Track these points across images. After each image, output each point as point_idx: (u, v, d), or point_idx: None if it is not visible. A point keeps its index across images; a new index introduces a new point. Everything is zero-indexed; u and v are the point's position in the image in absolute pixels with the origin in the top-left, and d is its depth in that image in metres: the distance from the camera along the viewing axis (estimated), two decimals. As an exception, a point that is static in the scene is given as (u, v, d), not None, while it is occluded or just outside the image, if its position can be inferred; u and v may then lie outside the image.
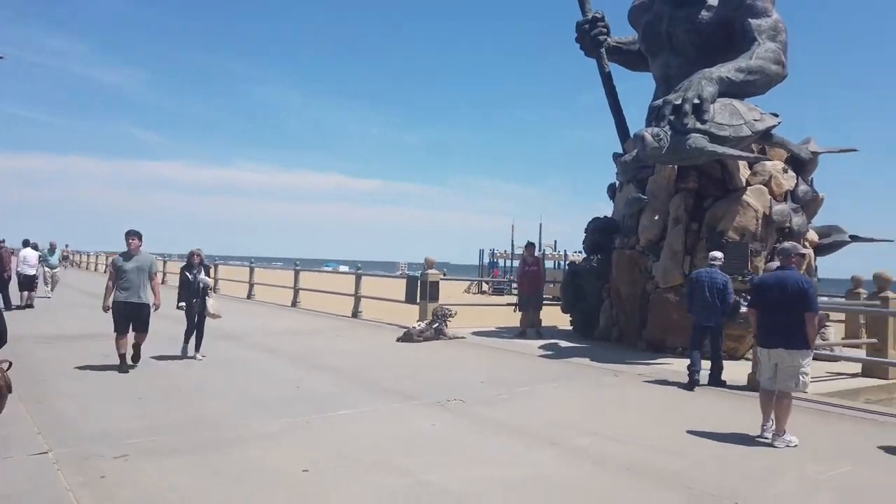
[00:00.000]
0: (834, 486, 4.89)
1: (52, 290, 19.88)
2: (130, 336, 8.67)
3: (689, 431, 6.37)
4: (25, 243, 17.51)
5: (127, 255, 8.56)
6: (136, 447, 5.26)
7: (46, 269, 19.47)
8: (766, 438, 6.04)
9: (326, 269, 65.51)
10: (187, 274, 9.60)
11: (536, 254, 15.15)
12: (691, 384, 8.48)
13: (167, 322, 10.81)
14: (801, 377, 6.00)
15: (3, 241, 16.13)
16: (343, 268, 79.16)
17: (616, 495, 4.55)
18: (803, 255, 6.75)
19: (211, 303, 9.75)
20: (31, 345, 10.50)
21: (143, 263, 8.61)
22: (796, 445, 5.83)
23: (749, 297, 6.70)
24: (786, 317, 5.99)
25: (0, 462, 4.80)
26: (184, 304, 9.59)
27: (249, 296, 22.40)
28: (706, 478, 4.94)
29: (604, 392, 8.31)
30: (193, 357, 9.57)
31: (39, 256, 18.05)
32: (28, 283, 16.44)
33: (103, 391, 7.34)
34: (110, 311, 8.50)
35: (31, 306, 16.22)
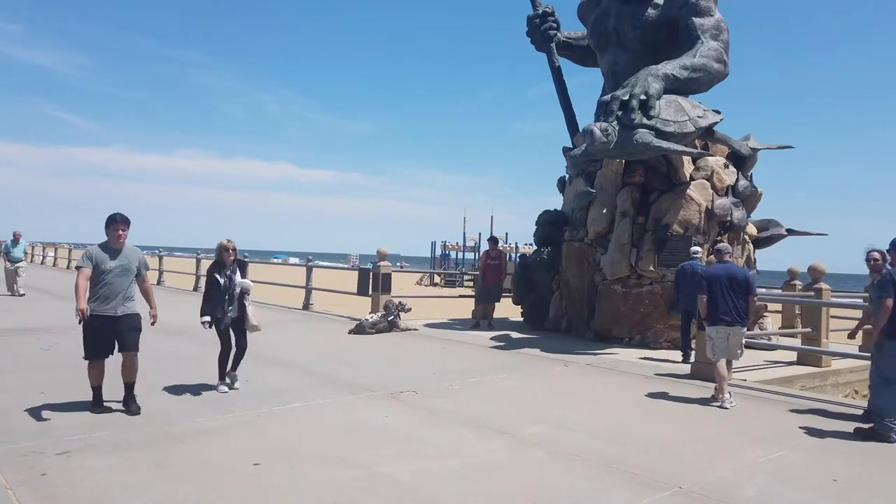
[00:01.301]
0: (770, 468, 5.13)
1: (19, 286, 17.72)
2: (108, 363, 6.28)
3: (636, 418, 6.57)
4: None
5: (109, 251, 6.08)
6: (77, 443, 5.12)
7: (7, 263, 17.84)
8: (726, 401, 7.22)
9: (275, 260, 64.47)
10: (217, 276, 7.07)
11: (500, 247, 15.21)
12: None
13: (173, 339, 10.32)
14: (743, 347, 7.77)
15: None
16: (293, 259, 78.05)
17: (565, 482, 4.66)
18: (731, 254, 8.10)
19: (251, 311, 7.44)
20: (-37, 340, 10.04)
21: (131, 261, 6.18)
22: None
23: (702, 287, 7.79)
24: (735, 300, 7.49)
25: (-69, 462, 4.60)
26: (208, 318, 7.11)
27: (196, 288, 21.88)
28: (652, 464, 5.11)
29: (553, 382, 8.47)
30: (233, 386, 7.34)
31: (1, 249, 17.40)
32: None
33: (44, 386, 7.07)
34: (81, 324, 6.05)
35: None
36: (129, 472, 4.53)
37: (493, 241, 14.65)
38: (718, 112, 11.54)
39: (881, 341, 6.18)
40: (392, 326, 12.58)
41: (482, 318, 13.90)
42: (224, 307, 7.15)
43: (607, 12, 13.13)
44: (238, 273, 7.27)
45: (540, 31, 14.87)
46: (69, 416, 5.97)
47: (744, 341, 7.68)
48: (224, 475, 4.54)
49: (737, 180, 12.35)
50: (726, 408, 7.11)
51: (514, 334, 12.77)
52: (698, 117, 10.83)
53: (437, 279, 44.74)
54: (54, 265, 39.30)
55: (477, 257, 50.24)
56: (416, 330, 12.90)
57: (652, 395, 7.71)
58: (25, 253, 19.20)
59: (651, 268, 11.56)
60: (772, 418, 6.88)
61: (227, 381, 7.34)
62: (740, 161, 12.66)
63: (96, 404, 6.20)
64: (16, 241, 18.18)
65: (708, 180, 11.97)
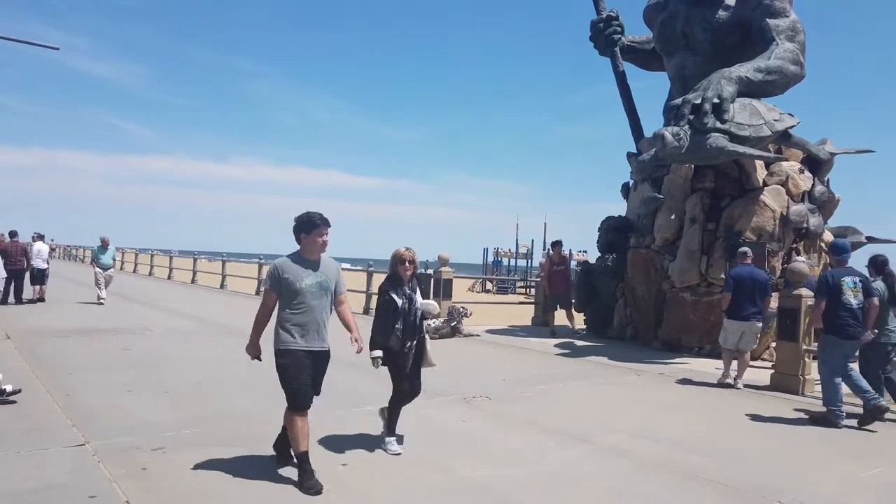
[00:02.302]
0: (872, 485, 4.90)
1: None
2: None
3: (717, 428, 6.39)
4: (37, 237, 17.56)
5: (303, 263, 4.52)
6: (169, 440, 5.27)
7: (98, 269, 16.96)
8: (730, 383, 8.59)
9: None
10: (394, 296, 5.24)
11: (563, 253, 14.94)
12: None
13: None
14: (757, 338, 9.07)
15: (17, 233, 16.11)
16: (344, 265, 79.24)
17: (653, 492, 4.55)
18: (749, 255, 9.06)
19: (430, 346, 5.66)
20: (49, 339, 10.52)
21: (329, 277, 4.60)
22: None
23: (728, 285, 8.83)
24: (754, 298, 8.60)
25: (40, 453, 4.82)
26: (380, 353, 5.22)
27: (258, 292, 22.38)
28: (742, 476, 4.94)
29: (626, 390, 8.31)
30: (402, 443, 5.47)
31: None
32: (40, 276, 16.45)
33: (130, 384, 7.34)
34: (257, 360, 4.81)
35: (42, 300, 16.22)
36: (223, 469, 4.65)
37: (557, 244, 14.48)
38: (793, 115, 11.18)
39: (826, 337, 6.99)
40: (455, 332, 12.60)
41: (548, 326, 13.78)
42: (402, 337, 5.27)
43: (675, 15, 12.88)
44: (418, 292, 5.46)
45: (604, 35, 14.70)
46: (157, 413, 6.17)
47: (759, 333, 9.03)
48: (315, 475, 4.60)
49: (813, 186, 11.91)
50: (739, 387, 8.51)
51: (578, 342, 12.60)
52: (774, 121, 10.50)
53: (489, 286, 44.61)
54: (121, 269, 40.82)
55: (530, 264, 50.02)
56: (478, 336, 12.87)
57: (730, 406, 7.48)
58: (115, 260, 18.44)
59: (722, 275, 11.23)
60: (860, 431, 6.57)
61: (397, 437, 5.45)
62: (816, 166, 12.21)
63: (310, 479, 4.36)
64: (104, 247, 17.31)
65: (783, 186, 11.59)
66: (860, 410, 6.87)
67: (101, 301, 16.41)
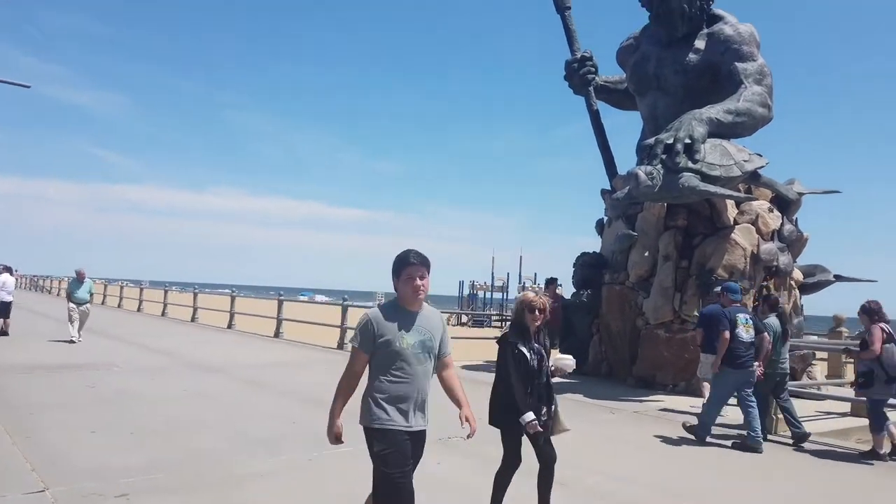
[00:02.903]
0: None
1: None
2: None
3: (698, 471, 6.37)
4: (3, 269, 17.10)
5: (400, 315, 3.47)
6: (135, 486, 5.09)
7: (71, 304, 15.44)
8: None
9: (302, 297, 64.78)
10: (523, 350, 4.36)
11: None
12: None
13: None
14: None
15: None
16: (320, 297, 78.45)
17: (634, 538, 4.49)
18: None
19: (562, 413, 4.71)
20: (10, 375, 10.18)
21: (434, 333, 3.53)
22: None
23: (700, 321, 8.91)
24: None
25: (-4, 502, 4.61)
26: (532, 416, 4.26)
27: (230, 325, 22.03)
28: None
29: (602, 430, 8.27)
30: None
31: None
32: (4, 309, 15.98)
33: (95, 424, 7.10)
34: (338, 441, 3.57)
35: (5, 334, 15.75)
36: (191, 517, 4.49)
37: (552, 283, 14.06)
38: (762, 156, 11.46)
39: (721, 367, 7.65)
40: (430, 368, 12.46)
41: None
42: (533, 400, 4.39)
43: (647, 57, 13.23)
44: (547, 343, 4.64)
45: (578, 75, 15.00)
46: (122, 456, 5.96)
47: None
48: (286, 523, 4.46)
49: (782, 225, 12.17)
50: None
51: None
52: (744, 161, 10.76)
53: (464, 319, 44.50)
54: (103, 303, 39.52)
55: (505, 297, 50.00)
56: (453, 372, 12.75)
57: (709, 446, 7.48)
58: (91, 293, 16.46)
59: (696, 312, 11.34)
60: (844, 474, 6.61)
61: None
62: (785, 205, 12.50)
63: None
64: (79, 280, 15.75)
65: (753, 224, 11.82)
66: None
67: (73, 340, 14.98)
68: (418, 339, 3.44)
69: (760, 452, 7.24)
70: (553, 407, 4.57)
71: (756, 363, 7.68)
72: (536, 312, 4.41)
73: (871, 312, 7.47)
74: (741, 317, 7.77)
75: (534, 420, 4.25)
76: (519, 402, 4.28)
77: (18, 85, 18.26)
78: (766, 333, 7.82)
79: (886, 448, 7.24)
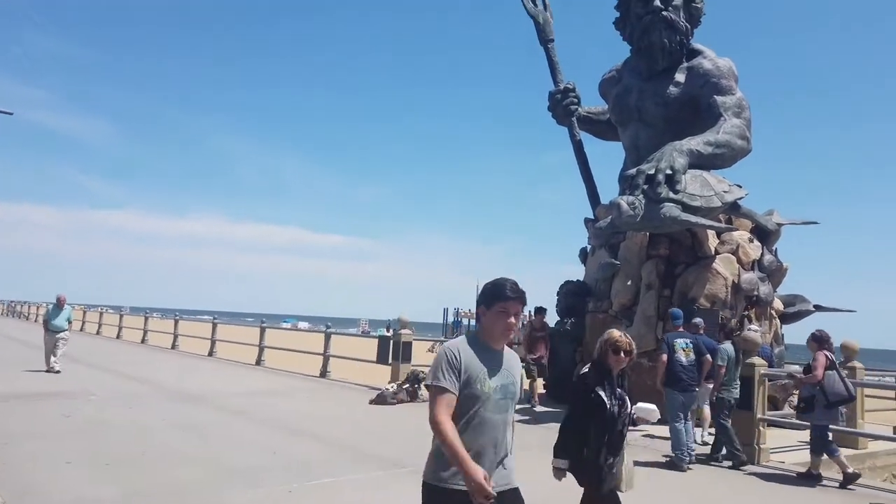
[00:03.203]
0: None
1: None
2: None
3: (677, 498, 6.35)
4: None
5: (484, 353, 2.88)
6: (110, 520, 4.97)
7: (47, 333, 14.79)
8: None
9: (285, 325, 64.24)
10: (601, 395, 4.01)
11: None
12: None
13: None
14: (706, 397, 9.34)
15: None
16: (302, 324, 77.80)
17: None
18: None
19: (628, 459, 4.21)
20: (-16, 404, 9.95)
21: (515, 375, 2.98)
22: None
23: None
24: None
25: (-35, 537, 4.47)
26: (565, 463, 4.10)
27: (211, 353, 21.75)
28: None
29: (585, 459, 8.22)
30: None
31: None
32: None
33: (70, 455, 6.94)
34: None
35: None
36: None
37: (540, 311, 13.64)
38: (742, 187, 11.65)
39: (664, 389, 8.14)
40: (413, 397, 12.39)
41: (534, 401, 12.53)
42: (606, 451, 4.01)
43: (629, 89, 13.47)
44: (626, 381, 4.33)
45: (561, 105, 15.22)
46: (98, 488, 5.83)
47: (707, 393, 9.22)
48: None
49: (762, 255, 12.33)
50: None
51: (538, 407, 12.49)
52: (724, 192, 10.92)
53: (448, 346, 44.31)
54: (81, 329, 38.87)
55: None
56: (437, 401, 12.66)
57: (693, 480, 7.47)
58: (70, 321, 15.51)
59: (678, 342, 11.41)
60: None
61: None
62: (764, 236, 12.67)
63: None
64: (59, 306, 14.95)
65: (733, 254, 11.96)
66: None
67: (52, 370, 14.24)
68: (501, 384, 2.89)
69: (684, 471, 7.64)
70: (621, 458, 4.09)
71: (708, 385, 8.39)
72: (622, 354, 4.00)
73: (819, 340, 7.80)
74: (679, 341, 8.22)
75: (563, 468, 3.95)
76: (566, 446, 4.01)
77: (1, 112, 18.08)
78: (707, 356, 8.29)
79: (838, 471, 7.49)
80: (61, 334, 14.72)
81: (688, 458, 7.81)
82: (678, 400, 8.11)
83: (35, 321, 44.68)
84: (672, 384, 8.14)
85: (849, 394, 7.54)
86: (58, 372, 14.15)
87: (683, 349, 8.17)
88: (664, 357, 8.20)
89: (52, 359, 14.45)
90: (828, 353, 7.66)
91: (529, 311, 16.47)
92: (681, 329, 8.68)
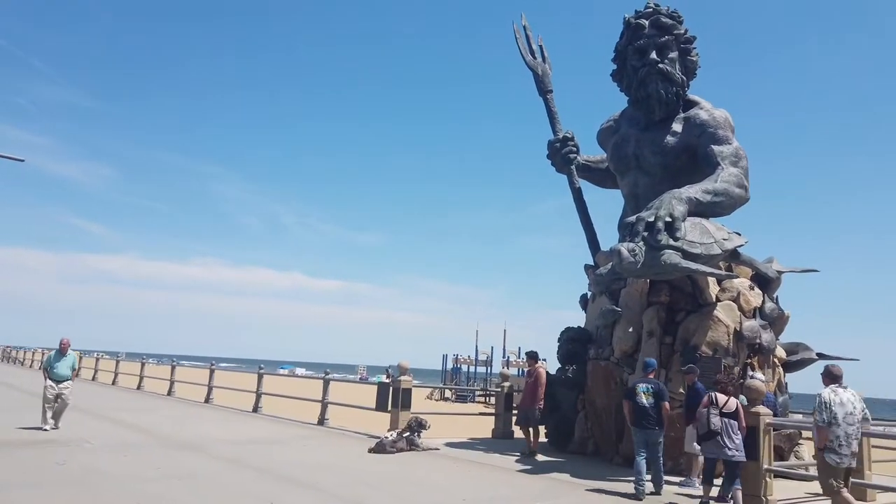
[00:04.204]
0: None
1: None
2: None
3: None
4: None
5: None
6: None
7: (49, 382, 12.69)
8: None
9: (282, 371, 63.63)
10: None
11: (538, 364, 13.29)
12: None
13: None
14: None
15: None
16: (300, 370, 77.08)
17: None
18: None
19: None
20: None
21: None
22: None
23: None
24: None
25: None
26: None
27: (208, 399, 21.48)
28: None
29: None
30: None
31: None
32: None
33: (60, 506, 6.79)
34: None
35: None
36: None
37: (530, 357, 13.62)
38: (741, 235, 11.72)
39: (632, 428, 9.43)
40: (412, 445, 12.18)
41: (526, 448, 12.54)
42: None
43: (627, 138, 13.70)
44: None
45: (560, 154, 15.44)
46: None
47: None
48: None
49: (763, 303, 12.31)
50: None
51: (540, 457, 12.29)
52: (724, 239, 10.98)
53: (448, 394, 43.81)
54: (94, 379, 37.66)
55: (489, 371, 49.41)
56: (437, 449, 12.47)
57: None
58: (74, 369, 13.39)
59: (681, 389, 11.29)
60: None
61: None
62: (765, 283, 12.67)
63: None
64: (62, 352, 13.01)
65: (734, 302, 11.94)
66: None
67: (46, 427, 12.30)
68: None
69: (641, 499, 8.76)
70: None
71: (663, 427, 9.42)
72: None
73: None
74: (641, 386, 9.53)
75: None
76: None
77: (13, 159, 18.38)
78: (665, 402, 9.52)
79: None
80: (63, 384, 12.74)
81: (644, 488, 8.94)
82: (640, 436, 9.36)
83: (30, 367, 44.24)
84: (634, 423, 9.40)
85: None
86: (56, 429, 12.35)
87: (644, 393, 9.41)
88: (627, 403, 9.56)
89: (50, 413, 12.52)
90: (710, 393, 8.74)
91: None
92: (650, 377, 9.90)
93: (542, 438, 13.78)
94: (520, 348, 47.29)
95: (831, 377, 7.62)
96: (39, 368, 13.77)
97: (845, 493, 7.16)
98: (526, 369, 13.45)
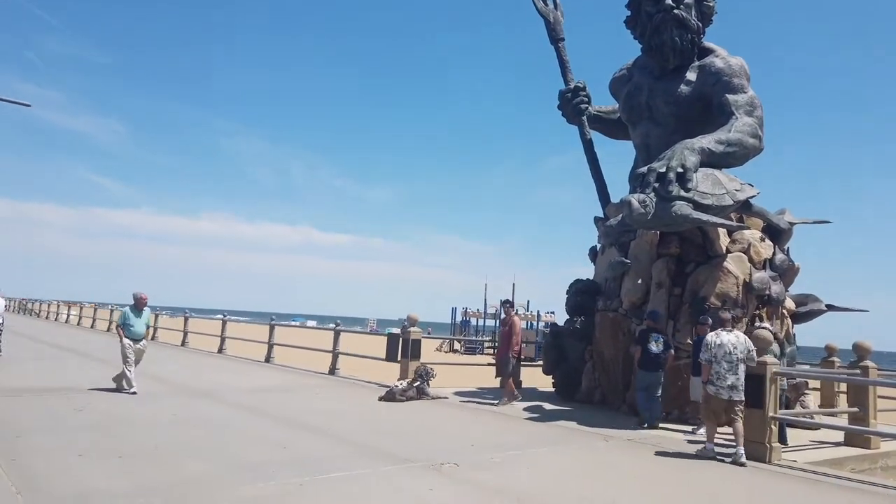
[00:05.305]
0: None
1: None
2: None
3: (684, 497, 6.32)
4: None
5: None
6: (122, 511, 5.00)
7: (127, 340, 11.77)
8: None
9: (293, 322, 64.34)
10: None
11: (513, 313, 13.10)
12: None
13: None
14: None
15: None
16: (311, 322, 78.01)
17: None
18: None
19: None
20: (-2, 398, 10.04)
21: None
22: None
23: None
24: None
25: (-20, 526, 4.52)
26: None
27: (221, 350, 21.85)
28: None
29: (597, 457, 8.20)
30: None
31: None
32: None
33: (82, 448, 6.99)
34: None
35: (-4, 354, 15.48)
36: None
37: (505, 304, 13.88)
38: (753, 186, 11.57)
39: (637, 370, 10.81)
40: (421, 394, 12.39)
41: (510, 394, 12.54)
42: None
43: (640, 87, 13.43)
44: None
45: (572, 104, 15.21)
46: (110, 480, 5.87)
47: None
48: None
49: (773, 254, 12.24)
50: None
51: (547, 405, 12.48)
52: (735, 190, 10.85)
53: (456, 346, 44.29)
54: (79, 324, 39.54)
55: (497, 324, 49.78)
56: (446, 398, 12.68)
57: (701, 477, 7.43)
58: (149, 327, 13.14)
59: (689, 340, 11.35)
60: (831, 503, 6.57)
61: None
62: (776, 235, 12.58)
63: None
64: (138, 307, 12.12)
65: (745, 253, 11.88)
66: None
67: (133, 391, 11.41)
68: None
69: (647, 424, 10.29)
70: None
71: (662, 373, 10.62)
72: None
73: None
74: (653, 335, 10.72)
75: None
76: None
77: (18, 103, 18.25)
78: (672, 351, 10.80)
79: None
80: (141, 343, 11.98)
81: (648, 416, 10.45)
82: (647, 379, 10.64)
83: (47, 319, 45.04)
84: (643, 366, 10.67)
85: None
86: (134, 393, 11.34)
87: (655, 342, 10.63)
88: (639, 349, 10.74)
89: (130, 373, 11.55)
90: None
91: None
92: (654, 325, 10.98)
93: (547, 388, 13.98)
94: (528, 301, 47.51)
95: (719, 322, 9.03)
96: (116, 329, 12.59)
97: (712, 423, 8.48)
98: (502, 316, 13.40)
